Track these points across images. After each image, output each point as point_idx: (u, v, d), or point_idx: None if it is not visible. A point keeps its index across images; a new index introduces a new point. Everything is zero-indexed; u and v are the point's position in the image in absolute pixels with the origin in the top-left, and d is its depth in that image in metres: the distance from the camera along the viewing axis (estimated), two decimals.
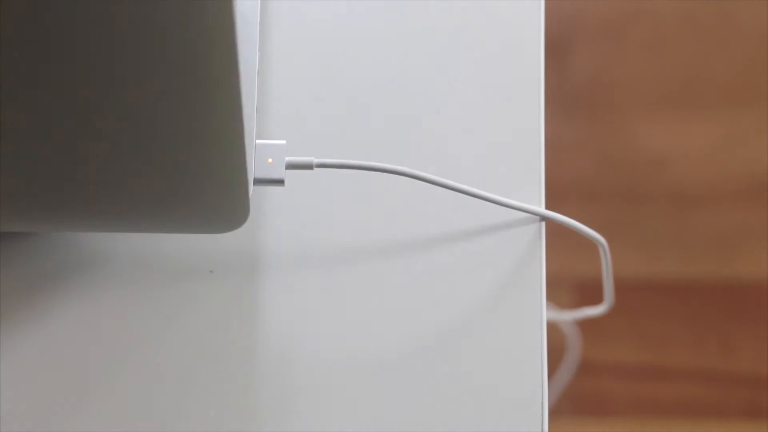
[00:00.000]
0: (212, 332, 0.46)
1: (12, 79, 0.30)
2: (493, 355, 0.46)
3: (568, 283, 1.13)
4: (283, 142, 0.44)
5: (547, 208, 0.47)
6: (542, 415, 0.45)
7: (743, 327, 1.14)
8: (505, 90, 0.48)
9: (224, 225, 0.41)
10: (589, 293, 1.12)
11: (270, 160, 0.44)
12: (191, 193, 0.37)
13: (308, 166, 0.45)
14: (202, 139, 0.34)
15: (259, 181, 0.44)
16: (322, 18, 0.49)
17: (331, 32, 0.49)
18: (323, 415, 0.45)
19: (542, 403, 0.45)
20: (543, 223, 0.47)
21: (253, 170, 0.44)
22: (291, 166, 0.45)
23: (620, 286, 1.12)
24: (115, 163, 0.34)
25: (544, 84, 0.48)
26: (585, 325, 1.01)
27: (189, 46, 0.30)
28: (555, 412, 1.05)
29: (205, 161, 0.35)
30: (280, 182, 0.44)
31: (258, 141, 0.44)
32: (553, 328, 0.88)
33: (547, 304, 0.46)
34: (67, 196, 0.36)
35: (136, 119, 0.32)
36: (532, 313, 0.46)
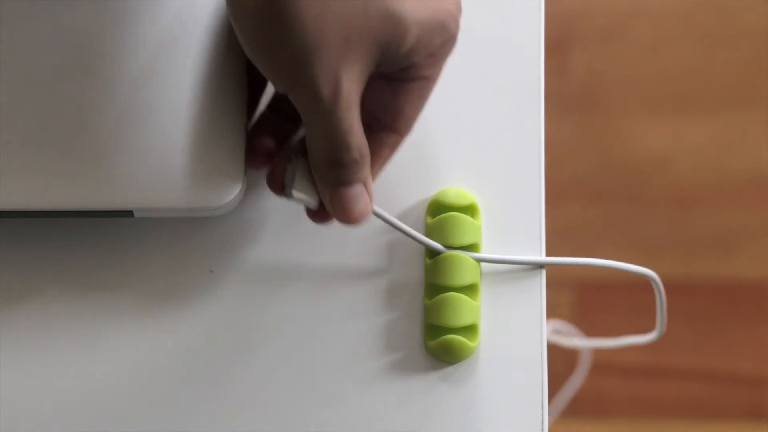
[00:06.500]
0: (212, 332, 0.46)
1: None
2: (493, 355, 0.46)
3: (569, 284, 1.13)
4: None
5: (547, 207, 0.47)
6: (542, 415, 0.45)
7: (743, 327, 1.14)
8: (505, 90, 0.48)
9: (222, 194, 0.42)
10: (589, 293, 1.12)
11: None
12: (194, 162, 0.42)
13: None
14: (209, 120, 0.43)
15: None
16: None
17: None
18: (321, 414, 0.45)
19: (542, 403, 0.45)
20: (543, 221, 0.47)
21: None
22: None
23: (620, 286, 1.12)
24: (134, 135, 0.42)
25: (544, 84, 0.48)
26: (584, 325, 1.01)
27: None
28: (555, 413, 1.05)
29: (209, 133, 0.42)
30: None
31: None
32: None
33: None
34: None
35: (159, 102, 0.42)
36: (533, 313, 0.46)
